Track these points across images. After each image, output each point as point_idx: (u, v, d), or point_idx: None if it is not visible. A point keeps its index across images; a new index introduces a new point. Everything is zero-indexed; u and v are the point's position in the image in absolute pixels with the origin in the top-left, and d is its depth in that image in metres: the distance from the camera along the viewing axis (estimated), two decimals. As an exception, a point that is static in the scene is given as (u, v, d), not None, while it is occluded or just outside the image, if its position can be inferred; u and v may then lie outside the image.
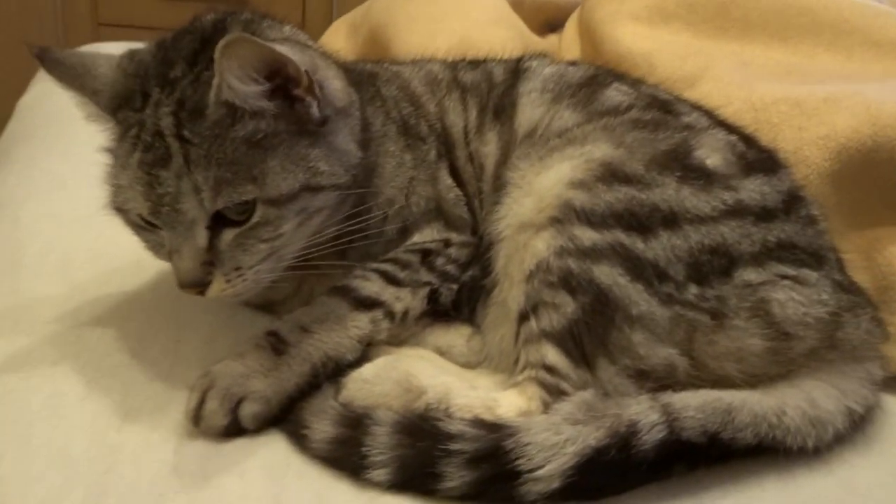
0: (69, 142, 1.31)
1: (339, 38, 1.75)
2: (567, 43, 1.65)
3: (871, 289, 0.98)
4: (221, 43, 0.74)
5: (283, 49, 0.78)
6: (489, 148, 1.01)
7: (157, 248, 0.85)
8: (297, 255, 0.86)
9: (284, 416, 0.79)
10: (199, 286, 0.81)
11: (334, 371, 0.83)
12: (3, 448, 0.75)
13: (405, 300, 0.90)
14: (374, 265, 0.91)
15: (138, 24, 2.74)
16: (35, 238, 1.11)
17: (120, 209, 0.84)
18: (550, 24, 1.77)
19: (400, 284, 0.90)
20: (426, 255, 0.94)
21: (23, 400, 0.81)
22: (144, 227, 0.84)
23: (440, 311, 0.94)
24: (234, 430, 0.77)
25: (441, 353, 0.92)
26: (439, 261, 0.94)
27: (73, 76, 0.85)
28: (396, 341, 0.91)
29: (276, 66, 0.78)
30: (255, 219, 0.80)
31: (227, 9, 0.90)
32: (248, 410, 0.78)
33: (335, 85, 0.88)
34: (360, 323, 0.86)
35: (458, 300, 0.95)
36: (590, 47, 1.53)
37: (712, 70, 1.27)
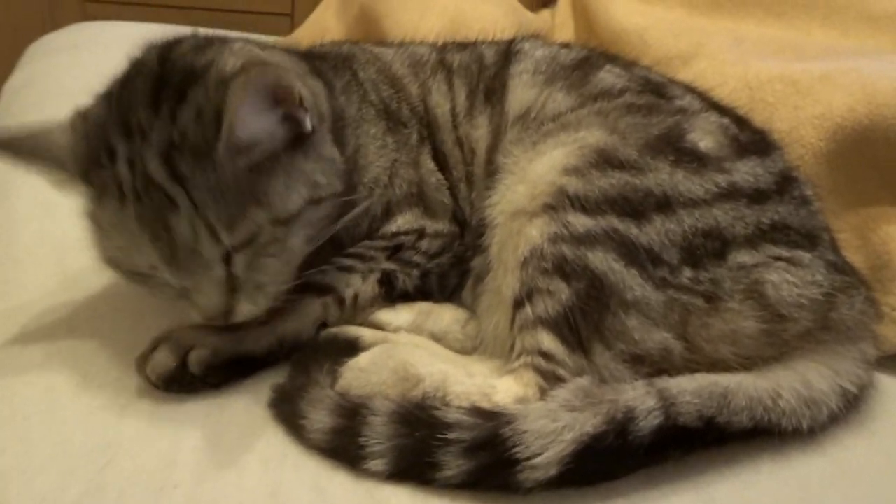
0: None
1: (329, 16, 1.73)
2: (560, 20, 1.63)
3: (865, 268, 0.99)
4: (238, 81, 0.71)
5: (281, 69, 0.77)
6: (480, 132, 1.00)
7: (161, 291, 0.83)
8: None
9: (238, 377, 0.84)
10: (223, 315, 0.80)
11: (291, 348, 0.87)
12: (3, 443, 0.75)
13: (354, 286, 0.91)
14: (336, 260, 0.92)
15: (126, 0, 2.71)
16: (27, 227, 1.10)
17: (120, 267, 0.82)
18: (543, -1, 1.76)
19: (352, 272, 0.92)
20: (395, 250, 0.95)
21: (20, 394, 0.81)
22: (148, 275, 0.81)
23: (402, 296, 0.95)
24: (179, 377, 0.81)
25: (437, 339, 0.92)
26: (408, 254, 0.95)
27: (32, 153, 0.81)
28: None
29: (283, 92, 0.77)
30: (262, 238, 0.78)
31: (166, 39, 0.87)
32: (195, 356, 0.81)
33: (304, 93, 0.83)
34: (314, 308, 0.89)
35: (426, 286, 0.96)
36: (583, 24, 1.52)
37: (707, 47, 1.26)
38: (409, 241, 0.95)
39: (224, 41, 0.87)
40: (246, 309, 0.80)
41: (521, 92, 0.99)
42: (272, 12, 2.74)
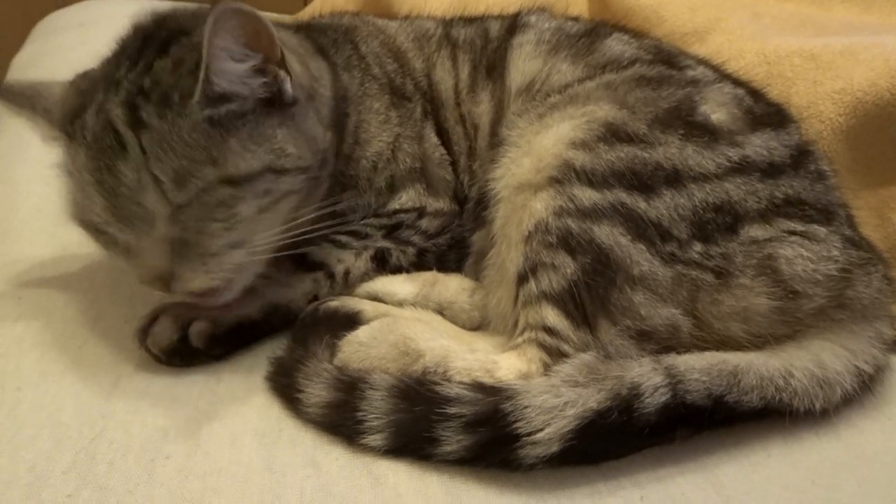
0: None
1: (340, -6, 1.70)
2: (574, -4, 1.60)
3: (884, 249, 0.96)
4: (213, 16, 0.70)
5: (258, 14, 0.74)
6: (482, 108, 0.99)
7: (114, 250, 0.79)
8: (284, 243, 0.82)
9: (241, 346, 0.84)
10: (163, 279, 0.76)
11: (285, 317, 0.87)
12: (-6, 413, 0.74)
13: (346, 262, 0.91)
14: (333, 236, 0.91)
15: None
16: (27, 200, 1.09)
17: (79, 220, 0.80)
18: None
19: (346, 248, 0.91)
20: (394, 228, 0.94)
21: (12, 365, 0.80)
22: (102, 231, 0.78)
23: (395, 271, 0.94)
24: (181, 349, 0.80)
25: (443, 308, 0.91)
26: (406, 233, 0.94)
27: (24, 99, 0.83)
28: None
29: (260, 37, 0.76)
30: (209, 198, 0.74)
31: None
32: (196, 329, 0.80)
33: (295, 68, 0.84)
34: (304, 283, 0.89)
35: (424, 264, 0.95)
36: (597, 0, 1.49)
37: (724, 22, 1.23)
38: (409, 220, 0.94)
39: None
40: (187, 276, 0.75)
41: (524, 63, 0.97)
42: (285, -7, 2.72)
